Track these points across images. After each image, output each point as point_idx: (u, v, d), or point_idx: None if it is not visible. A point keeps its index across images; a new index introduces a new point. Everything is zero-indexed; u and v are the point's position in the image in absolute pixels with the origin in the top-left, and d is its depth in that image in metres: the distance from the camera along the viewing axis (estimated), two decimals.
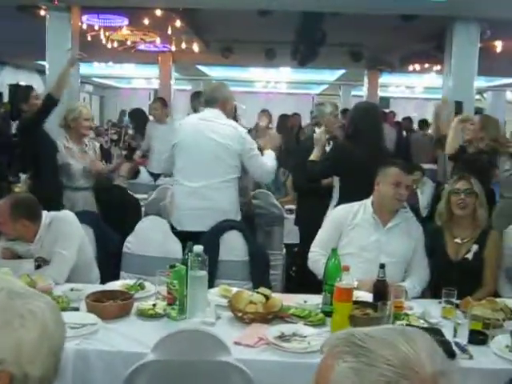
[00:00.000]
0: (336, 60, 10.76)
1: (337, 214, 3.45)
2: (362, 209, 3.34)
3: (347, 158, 4.07)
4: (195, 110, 5.95)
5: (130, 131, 8.84)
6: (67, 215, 3.40)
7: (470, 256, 3.34)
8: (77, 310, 2.62)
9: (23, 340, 0.90)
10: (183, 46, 9.72)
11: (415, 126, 12.27)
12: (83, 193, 4.51)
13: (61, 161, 4.52)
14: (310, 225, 4.63)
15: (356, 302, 2.64)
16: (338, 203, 3.92)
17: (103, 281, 3.41)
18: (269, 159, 4.03)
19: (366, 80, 12.87)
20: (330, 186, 4.52)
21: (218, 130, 3.83)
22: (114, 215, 4.55)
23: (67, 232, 3.26)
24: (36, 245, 3.26)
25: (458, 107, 7.82)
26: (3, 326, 0.88)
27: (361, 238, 3.27)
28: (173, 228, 3.83)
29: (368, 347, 0.94)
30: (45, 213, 3.33)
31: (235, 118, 4.52)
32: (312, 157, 4.22)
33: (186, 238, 3.45)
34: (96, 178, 4.58)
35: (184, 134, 3.89)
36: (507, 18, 6.44)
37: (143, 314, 2.61)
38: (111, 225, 4.11)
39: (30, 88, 4.63)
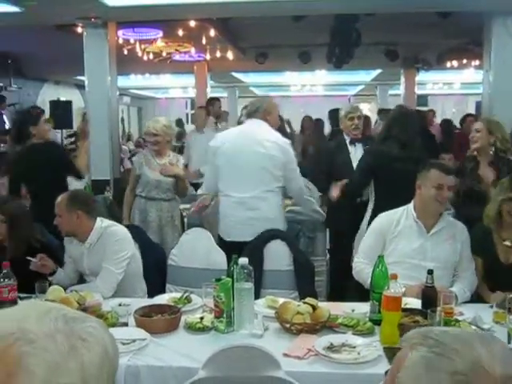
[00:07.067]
0: (372, 60, 10.65)
1: (379, 222, 3.36)
2: (405, 215, 3.26)
3: (384, 162, 4.10)
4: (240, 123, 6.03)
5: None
6: (120, 230, 3.41)
7: None
8: (126, 325, 2.65)
9: (87, 363, 0.89)
10: (218, 54, 9.79)
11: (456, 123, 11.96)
12: (156, 203, 4.59)
13: (139, 171, 4.67)
14: (338, 225, 4.64)
15: (405, 310, 2.60)
16: (374, 210, 3.94)
17: (149, 293, 3.45)
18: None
19: (402, 79, 12.69)
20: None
21: (262, 141, 3.85)
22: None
23: (117, 248, 3.29)
24: (86, 248, 3.34)
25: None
26: (70, 350, 0.87)
27: (405, 245, 3.20)
28: (220, 239, 3.87)
29: (442, 341, 0.98)
30: (101, 218, 3.40)
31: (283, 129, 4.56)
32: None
33: (233, 248, 3.42)
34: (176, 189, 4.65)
35: (228, 146, 3.92)
36: None
37: (191, 328, 2.62)
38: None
39: (41, 111, 4.65)
